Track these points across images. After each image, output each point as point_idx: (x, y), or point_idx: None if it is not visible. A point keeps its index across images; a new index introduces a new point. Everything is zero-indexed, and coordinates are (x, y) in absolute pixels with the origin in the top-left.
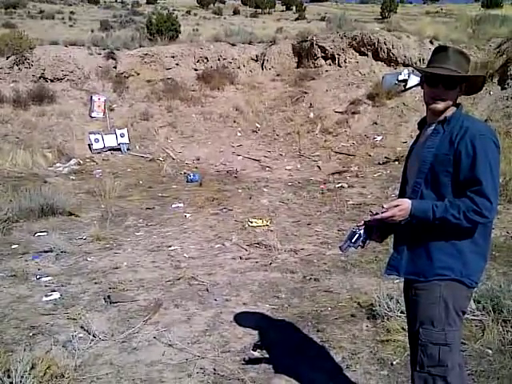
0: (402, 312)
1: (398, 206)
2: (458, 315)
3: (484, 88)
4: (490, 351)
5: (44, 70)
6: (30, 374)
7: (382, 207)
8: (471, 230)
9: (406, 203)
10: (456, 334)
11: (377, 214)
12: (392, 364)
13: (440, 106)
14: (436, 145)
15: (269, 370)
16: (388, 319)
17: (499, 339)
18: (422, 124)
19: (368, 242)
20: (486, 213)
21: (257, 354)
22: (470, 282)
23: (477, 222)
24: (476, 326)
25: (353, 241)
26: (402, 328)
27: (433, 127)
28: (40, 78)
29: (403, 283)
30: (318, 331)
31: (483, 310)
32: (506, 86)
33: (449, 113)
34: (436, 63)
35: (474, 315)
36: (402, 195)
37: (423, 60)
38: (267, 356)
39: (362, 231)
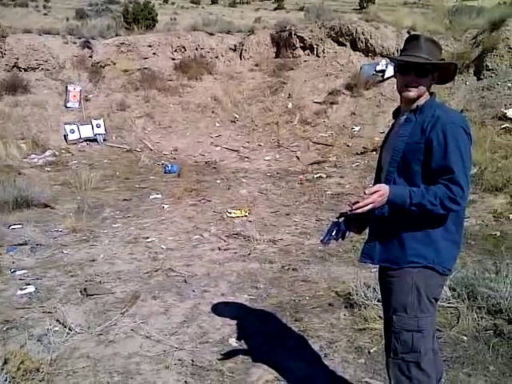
0: (378, 300)
1: (377, 191)
2: (431, 302)
3: (460, 78)
4: (464, 338)
5: (17, 59)
6: (2, 369)
7: (364, 193)
8: (443, 218)
9: (385, 188)
10: (428, 320)
11: (356, 202)
12: (369, 352)
13: (412, 93)
14: (408, 133)
15: (247, 360)
16: (365, 308)
17: (474, 326)
18: (397, 113)
19: (348, 233)
20: (460, 200)
21: (235, 344)
22: (443, 269)
23: (451, 209)
24: (451, 313)
25: (333, 234)
26: (379, 316)
27: (405, 116)
28: (13, 67)
29: (378, 271)
30: (296, 321)
31: (458, 298)
32: (482, 76)
33: (421, 101)
34: (408, 52)
35: (449, 303)
36: (376, 183)
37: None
38: (245, 346)
39: (341, 224)
